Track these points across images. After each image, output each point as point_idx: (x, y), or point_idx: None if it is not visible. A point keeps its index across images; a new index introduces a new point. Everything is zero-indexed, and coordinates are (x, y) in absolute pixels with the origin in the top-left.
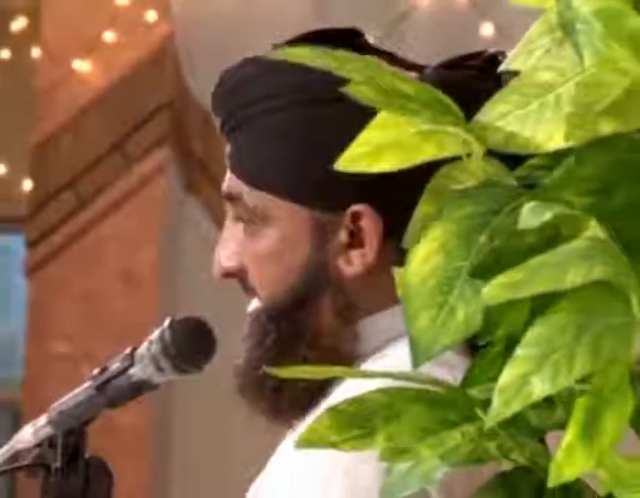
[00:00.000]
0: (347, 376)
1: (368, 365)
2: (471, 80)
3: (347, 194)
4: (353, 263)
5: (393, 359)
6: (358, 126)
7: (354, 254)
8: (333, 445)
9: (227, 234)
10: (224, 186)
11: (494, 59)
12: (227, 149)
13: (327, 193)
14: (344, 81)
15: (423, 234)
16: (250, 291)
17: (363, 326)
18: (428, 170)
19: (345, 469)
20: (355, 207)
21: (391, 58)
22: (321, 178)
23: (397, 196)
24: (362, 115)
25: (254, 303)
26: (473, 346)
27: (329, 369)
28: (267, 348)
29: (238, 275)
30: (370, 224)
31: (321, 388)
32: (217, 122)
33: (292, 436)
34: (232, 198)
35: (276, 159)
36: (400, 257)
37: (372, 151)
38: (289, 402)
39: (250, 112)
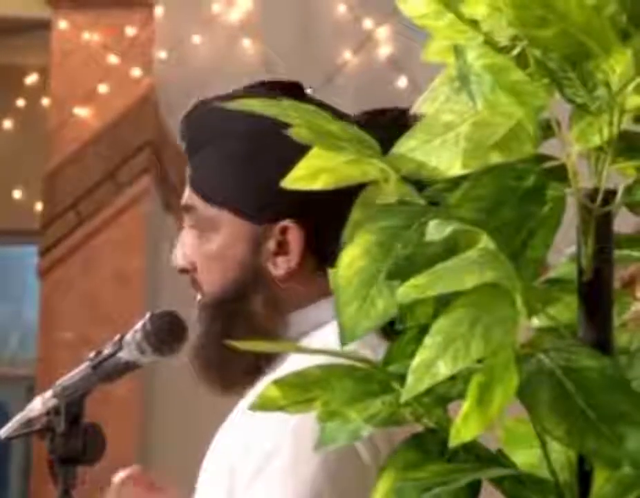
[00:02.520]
0: (289, 351)
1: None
2: (388, 125)
3: (279, 212)
4: (279, 267)
5: (318, 340)
6: (289, 158)
7: (281, 259)
8: (281, 408)
9: (182, 239)
10: (183, 199)
11: (404, 113)
12: (188, 169)
13: (263, 210)
14: (281, 123)
15: (349, 241)
16: (197, 286)
17: (292, 317)
18: (343, 201)
19: (293, 428)
20: (283, 223)
21: (321, 107)
22: (258, 197)
23: (317, 217)
24: (293, 150)
25: (199, 297)
26: (390, 330)
27: (276, 344)
28: (213, 332)
29: (189, 271)
30: (295, 237)
31: (258, 368)
32: (182, 146)
33: (243, 402)
34: (189, 208)
35: (224, 181)
36: (318, 265)
37: (309, 174)
38: (231, 380)
39: (206, 138)
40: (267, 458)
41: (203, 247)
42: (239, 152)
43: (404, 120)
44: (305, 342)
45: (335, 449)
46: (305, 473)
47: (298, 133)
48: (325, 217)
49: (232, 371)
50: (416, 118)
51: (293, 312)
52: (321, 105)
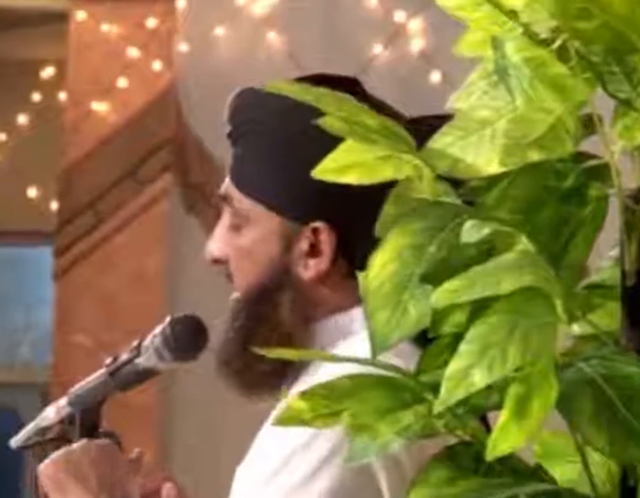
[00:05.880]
0: (318, 359)
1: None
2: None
3: (312, 211)
4: (309, 270)
5: (345, 351)
6: (325, 155)
7: (312, 262)
8: (306, 422)
9: (218, 229)
10: (222, 187)
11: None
12: (230, 158)
13: (297, 208)
14: (318, 116)
15: (382, 237)
16: (231, 279)
17: (319, 325)
18: (375, 205)
19: (309, 439)
20: (316, 223)
21: (379, 105)
22: (292, 194)
23: (348, 220)
24: (329, 147)
25: (234, 293)
26: (423, 337)
27: (305, 352)
28: (234, 332)
29: (223, 263)
30: (327, 239)
31: (282, 372)
32: (227, 129)
33: (270, 418)
34: (225, 198)
35: (261, 174)
36: (349, 270)
37: (339, 168)
38: (253, 382)
39: (245, 130)
40: (282, 466)
41: (236, 241)
42: (276, 146)
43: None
44: (332, 352)
45: (351, 468)
46: (315, 490)
47: (329, 123)
48: (356, 221)
49: (254, 376)
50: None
51: (320, 320)
52: (374, 101)
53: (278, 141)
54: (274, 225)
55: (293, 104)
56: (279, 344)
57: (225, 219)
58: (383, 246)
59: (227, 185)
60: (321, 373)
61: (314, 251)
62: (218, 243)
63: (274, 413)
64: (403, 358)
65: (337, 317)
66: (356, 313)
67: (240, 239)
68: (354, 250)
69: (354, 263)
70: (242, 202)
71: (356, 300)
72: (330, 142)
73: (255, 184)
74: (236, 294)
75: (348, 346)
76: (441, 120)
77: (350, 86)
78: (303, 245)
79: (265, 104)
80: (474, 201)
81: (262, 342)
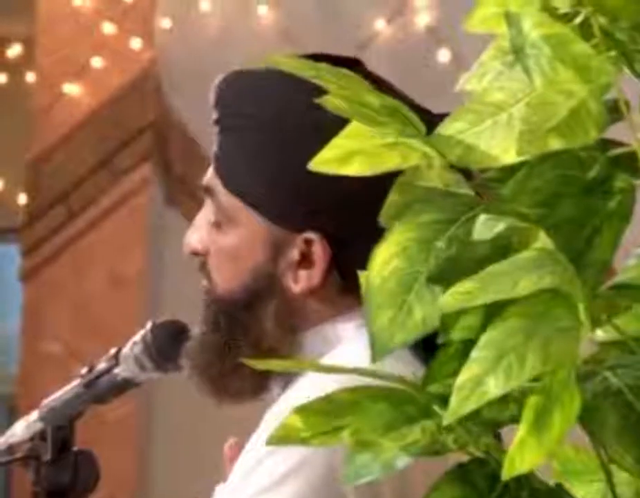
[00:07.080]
0: (314, 371)
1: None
2: None
3: (306, 221)
4: (299, 282)
5: (335, 361)
6: None
7: (302, 274)
8: (303, 441)
9: (200, 219)
10: (205, 178)
11: None
12: (214, 146)
13: (288, 214)
14: (318, 114)
15: (384, 237)
16: (206, 273)
17: (304, 337)
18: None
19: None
20: (309, 234)
21: (387, 88)
22: (284, 199)
23: (349, 233)
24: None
25: (204, 283)
26: (425, 344)
27: (299, 363)
28: (214, 340)
29: (202, 256)
30: (321, 251)
31: (262, 380)
32: (214, 116)
33: (257, 435)
34: (209, 191)
35: (250, 172)
36: (340, 287)
37: (341, 157)
38: (228, 388)
39: (235, 123)
40: (251, 471)
41: (218, 238)
42: (269, 144)
43: None
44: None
45: (317, 484)
46: None
47: (332, 103)
48: (355, 234)
49: (230, 382)
50: None
51: (307, 330)
52: (380, 83)
53: (270, 138)
54: (261, 230)
55: (288, 96)
56: (261, 356)
57: (208, 212)
58: (387, 239)
59: (211, 177)
60: (311, 385)
61: (305, 261)
62: (198, 235)
63: (264, 430)
64: (405, 365)
65: (326, 326)
66: (346, 322)
67: (223, 238)
68: (351, 266)
69: (350, 279)
70: (228, 199)
71: (347, 310)
72: (330, 140)
73: (243, 183)
74: (206, 290)
75: (334, 356)
76: None
77: (352, 67)
78: (294, 254)
79: (258, 94)
80: (488, 194)
81: (243, 355)
